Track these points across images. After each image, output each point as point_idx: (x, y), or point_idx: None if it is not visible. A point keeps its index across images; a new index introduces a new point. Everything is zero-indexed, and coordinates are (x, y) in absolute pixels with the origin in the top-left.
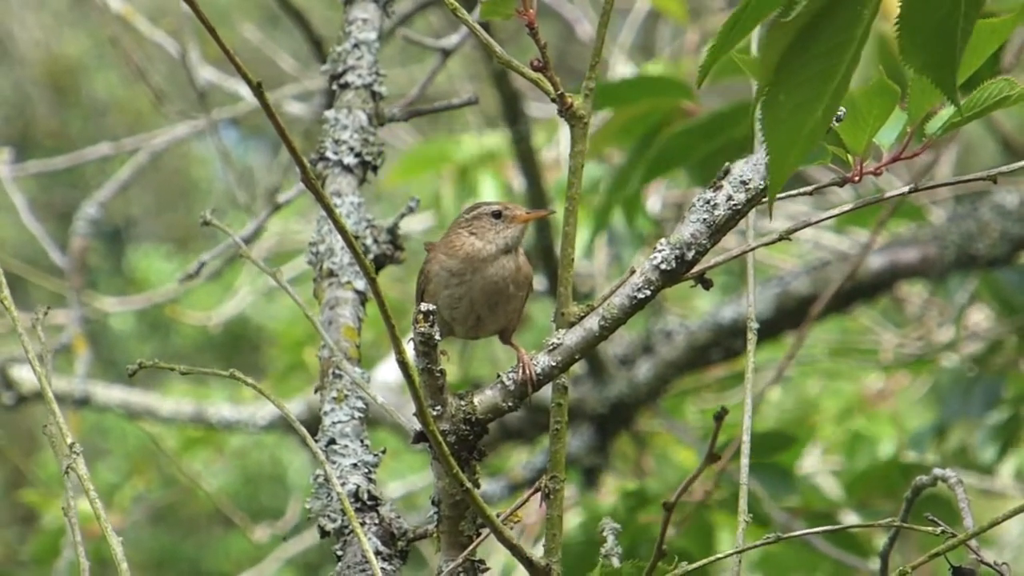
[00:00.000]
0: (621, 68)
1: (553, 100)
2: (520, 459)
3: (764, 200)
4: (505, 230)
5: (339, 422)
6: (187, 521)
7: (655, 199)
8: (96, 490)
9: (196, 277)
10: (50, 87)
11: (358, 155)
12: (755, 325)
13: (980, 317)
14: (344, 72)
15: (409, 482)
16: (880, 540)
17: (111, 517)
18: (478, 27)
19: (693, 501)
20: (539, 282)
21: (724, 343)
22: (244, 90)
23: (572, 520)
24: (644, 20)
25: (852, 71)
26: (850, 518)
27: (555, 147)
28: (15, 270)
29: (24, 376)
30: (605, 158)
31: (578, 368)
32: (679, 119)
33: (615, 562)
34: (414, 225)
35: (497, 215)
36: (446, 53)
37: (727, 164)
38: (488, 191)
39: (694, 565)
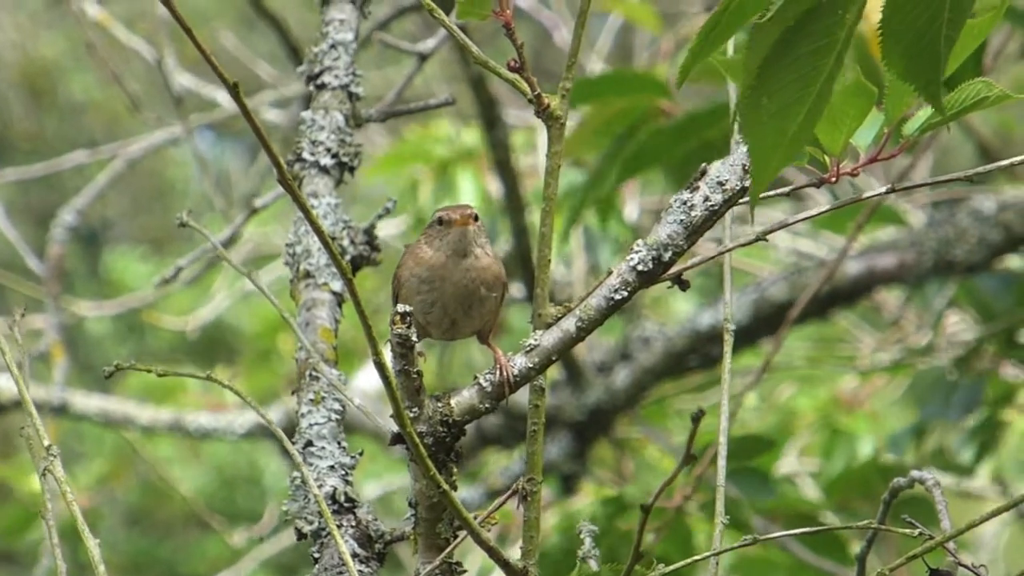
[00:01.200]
0: (598, 72)
1: (530, 101)
2: (498, 466)
3: (742, 201)
4: (447, 235)
5: (316, 424)
6: (163, 524)
7: (632, 206)
8: (73, 493)
9: (173, 282)
10: (26, 89)
11: (335, 156)
12: (731, 326)
13: (955, 319)
14: (321, 73)
15: (385, 482)
16: (858, 544)
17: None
18: (455, 28)
19: (671, 506)
20: (517, 289)
21: (702, 349)
22: (221, 96)
23: (549, 522)
24: (621, 26)
25: (835, 74)
26: (829, 520)
27: (533, 154)
28: None
29: (1, 385)
30: (583, 164)
31: (556, 375)
32: (657, 118)
33: (593, 565)
34: (391, 229)
35: (440, 222)
36: (423, 57)
37: (704, 165)
38: (466, 190)
39: (671, 568)
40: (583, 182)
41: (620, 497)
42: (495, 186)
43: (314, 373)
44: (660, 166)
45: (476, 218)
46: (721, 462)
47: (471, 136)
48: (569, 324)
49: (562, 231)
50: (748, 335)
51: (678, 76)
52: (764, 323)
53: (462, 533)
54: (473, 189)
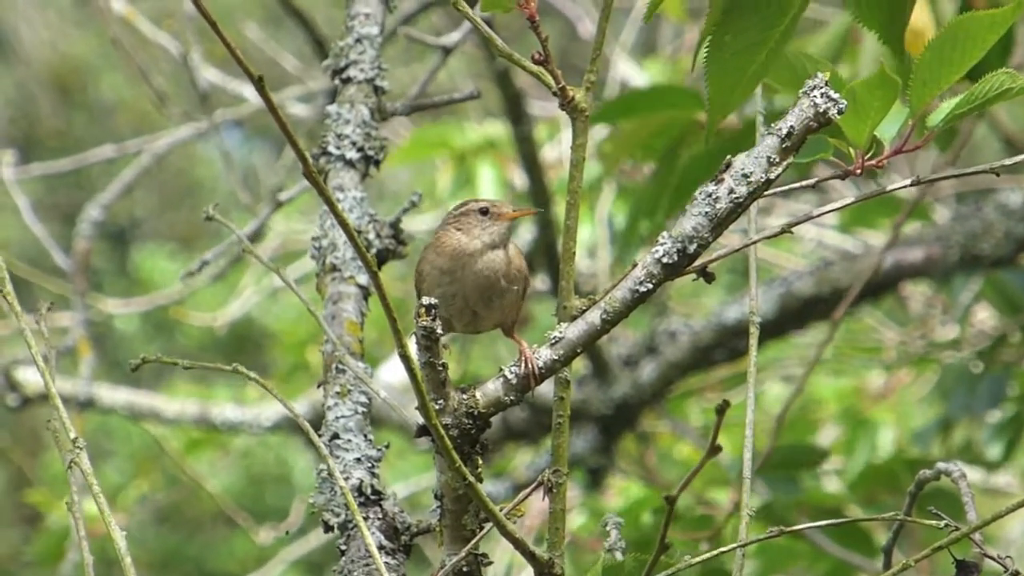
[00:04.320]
0: (623, 66)
1: (554, 93)
2: (524, 460)
3: (767, 193)
4: (491, 227)
5: (342, 417)
6: (192, 521)
7: None
8: (100, 486)
9: (198, 275)
10: (55, 87)
11: (360, 150)
12: (757, 319)
13: (984, 315)
14: (346, 67)
15: (413, 482)
16: (884, 536)
17: (115, 517)
18: (479, 21)
19: (720, 514)
20: (541, 280)
21: (728, 344)
22: (247, 91)
23: (576, 520)
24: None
25: (798, 19)
26: (854, 514)
27: (557, 145)
28: (19, 272)
29: (29, 378)
30: (616, 171)
31: (582, 369)
32: (697, 134)
33: (618, 556)
34: (417, 223)
35: (484, 212)
36: (447, 51)
37: (728, 157)
38: (486, 181)
39: (696, 560)
40: (632, 206)
41: (653, 496)
42: (518, 176)
43: (340, 366)
44: None
45: None
46: (747, 454)
47: (493, 127)
48: (594, 316)
49: (615, 258)
50: (774, 328)
51: (647, 11)
52: (790, 317)
53: (488, 525)
54: (494, 179)
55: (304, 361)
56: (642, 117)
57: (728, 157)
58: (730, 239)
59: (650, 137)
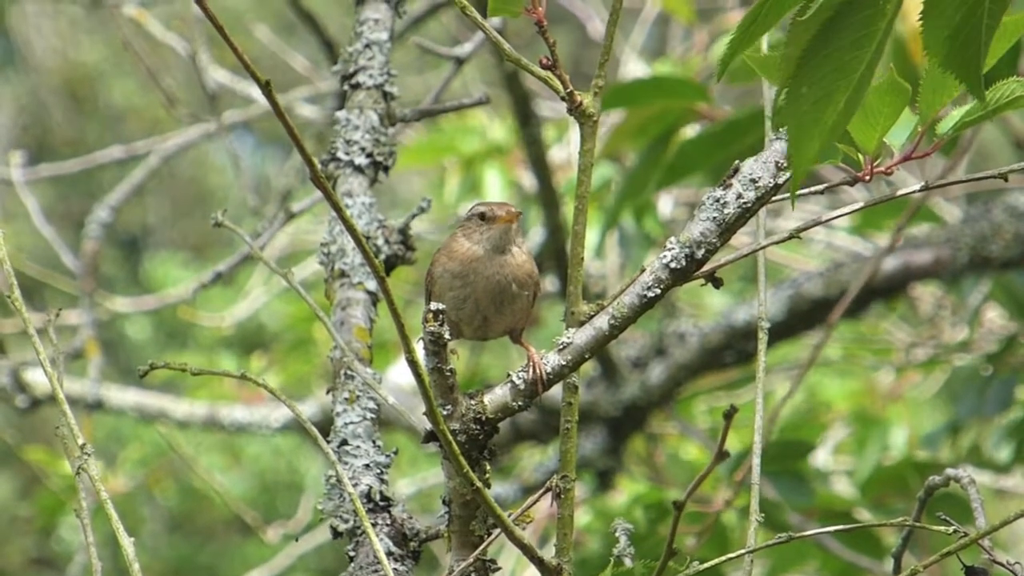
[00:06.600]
0: (632, 68)
1: (563, 98)
2: (532, 461)
3: (775, 199)
4: (488, 231)
5: (351, 423)
6: (204, 529)
7: (666, 200)
8: (108, 491)
9: (210, 287)
10: (67, 95)
11: (369, 155)
12: (766, 324)
13: (993, 315)
14: (356, 72)
15: (419, 479)
16: (893, 539)
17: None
18: (487, 26)
19: (711, 511)
20: (550, 282)
21: (737, 345)
22: (258, 93)
23: (582, 521)
24: (655, 20)
25: (875, 64)
26: (864, 517)
27: (566, 147)
28: (29, 272)
29: (37, 379)
30: (619, 157)
31: (591, 371)
32: (693, 121)
33: (627, 562)
34: (426, 226)
35: (482, 216)
36: (460, 61)
37: (737, 162)
38: (493, 186)
39: (705, 565)
40: (619, 185)
41: (661, 503)
42: (526, 179)
43: (349, 372)
44: (700, 172)
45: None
46: (756, 460)
47: (500, 131)
48: (602, 322)
49: (599, 237)
50: (783, 331)
51: (717, 69)
52: (800, 319)
53: (496, 531)
54: (500, 184)
55: (310, 336)
56: (642, 105)
57: (736, 162)
58: (740, 240)
59: (648, 122)
